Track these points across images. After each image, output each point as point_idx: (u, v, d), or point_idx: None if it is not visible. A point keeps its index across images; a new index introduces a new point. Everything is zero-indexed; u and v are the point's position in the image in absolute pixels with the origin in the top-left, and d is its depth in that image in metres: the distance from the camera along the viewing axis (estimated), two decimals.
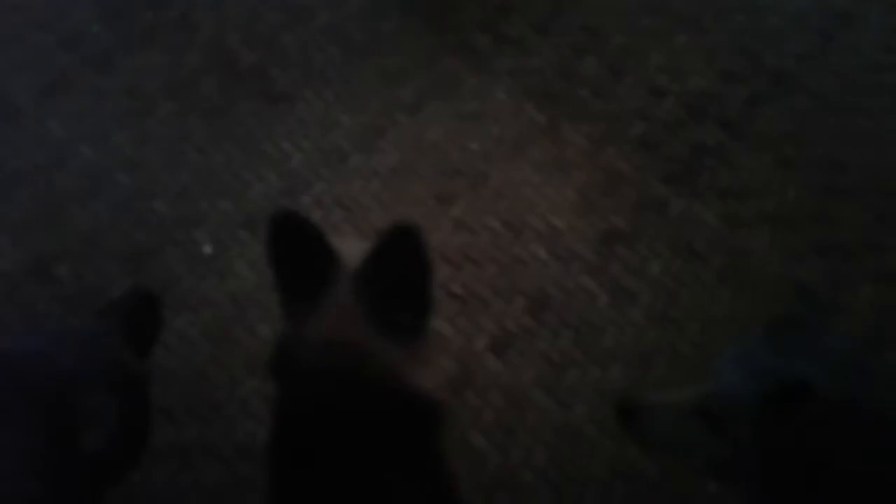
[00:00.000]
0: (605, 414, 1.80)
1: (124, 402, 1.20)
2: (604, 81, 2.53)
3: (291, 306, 1.10)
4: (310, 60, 2.55)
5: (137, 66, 2.51)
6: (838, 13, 2.70)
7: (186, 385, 1.85)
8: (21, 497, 1.02)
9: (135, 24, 2.62)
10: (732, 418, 1.08)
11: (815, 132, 2.39)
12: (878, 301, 2.01)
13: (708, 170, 2.28)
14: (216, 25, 2.63)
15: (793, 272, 2.06)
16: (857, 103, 2.47)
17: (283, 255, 1.07)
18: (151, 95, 2.43)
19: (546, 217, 2.18)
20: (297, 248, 1.05)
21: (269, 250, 1.07)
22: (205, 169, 2.27)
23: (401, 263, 1.02)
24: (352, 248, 1.09)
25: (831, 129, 2.41)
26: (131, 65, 2.51)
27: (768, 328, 1.15)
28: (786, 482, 1.07)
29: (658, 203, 2.22)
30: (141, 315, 1.42)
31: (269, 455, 1.08)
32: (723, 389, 1.10)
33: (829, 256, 2.10)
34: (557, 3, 2.70)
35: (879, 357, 1.63)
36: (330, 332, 1.03)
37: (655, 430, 1.19)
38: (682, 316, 2.01)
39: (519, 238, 2.15)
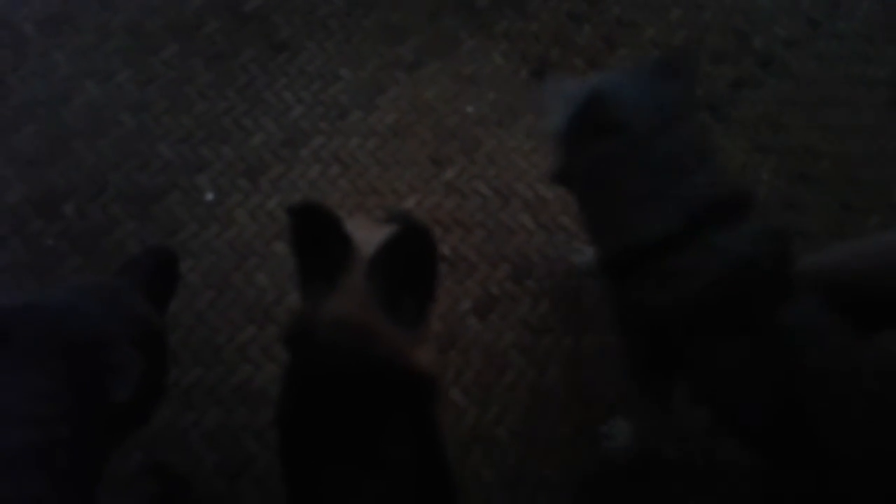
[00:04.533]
0: (576, 378, 1.97)
1: (147, 356, 1.25)
2: (598, 52, 2.60)
3: (309, 286, 1.19)
4: (314, 9, 2.56)
5: (140, 2, 2.49)
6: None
7: (188, 329, 1.93)
8: (53, 441, 1.09)
9: None
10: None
11: (794, 119, 2.50)
12: None
13: None
14: None
15: None
16: (837, 92, 2.57)
17: (303, 241, 1.17)
18: (155, 35, 2.44)
19: (534, 186, 2.27)
20: (315, 235, 1.15)
21: (290, 237, 1.16)
22: (208, 114, 2.30)
23: (411, 258, 1.12)
24: (366, 236, 1.18)
25: (809, 117, 2.51)
26: (134, 1, 2.50)
27: (638, 68, 1.43)
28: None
29: None
30: (160, 273, 1.48)
31: (279, 415, 1.20)
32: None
33: (793, 241, 2.23)
34: None
35: None
36: (342, 313, 1.13)
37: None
38: None
39: (507, 205, 2.24)
